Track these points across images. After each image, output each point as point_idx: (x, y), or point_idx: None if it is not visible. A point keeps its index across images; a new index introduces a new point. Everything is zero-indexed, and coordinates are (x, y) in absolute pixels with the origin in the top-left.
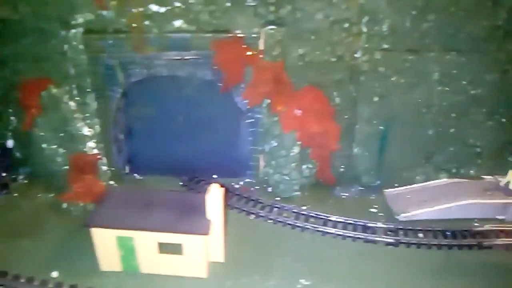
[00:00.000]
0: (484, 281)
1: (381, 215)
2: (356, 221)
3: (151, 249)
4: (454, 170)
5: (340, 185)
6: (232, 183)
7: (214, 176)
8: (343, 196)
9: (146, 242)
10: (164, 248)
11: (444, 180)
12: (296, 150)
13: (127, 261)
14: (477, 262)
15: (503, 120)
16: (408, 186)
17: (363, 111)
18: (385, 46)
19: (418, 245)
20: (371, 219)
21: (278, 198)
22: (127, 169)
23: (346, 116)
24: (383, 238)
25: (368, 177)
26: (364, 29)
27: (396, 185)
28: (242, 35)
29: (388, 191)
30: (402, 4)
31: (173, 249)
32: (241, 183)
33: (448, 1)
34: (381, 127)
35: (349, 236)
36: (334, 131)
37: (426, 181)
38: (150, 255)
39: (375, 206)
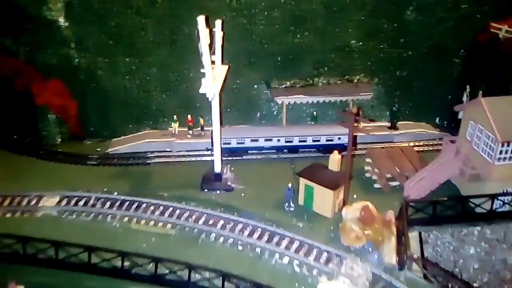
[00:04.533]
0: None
1: (98, 150)
2: (76, 153)
3: None
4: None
5: (88, 137)
6: None
7: None
8: (88, 142)
9: None
10: None
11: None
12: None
13: None
14: (140, 172)
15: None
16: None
17: None
18: None
19: (115, 165)
20: (92, 153)
21: None
22: None
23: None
24: (92, 162)
25: (100, 131)
26: None
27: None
28: None
29: (115, 139)
30: None
31: None
32: None
33: None
34: None
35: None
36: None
37: (138, 132)
38: None
39: (98, 149)
